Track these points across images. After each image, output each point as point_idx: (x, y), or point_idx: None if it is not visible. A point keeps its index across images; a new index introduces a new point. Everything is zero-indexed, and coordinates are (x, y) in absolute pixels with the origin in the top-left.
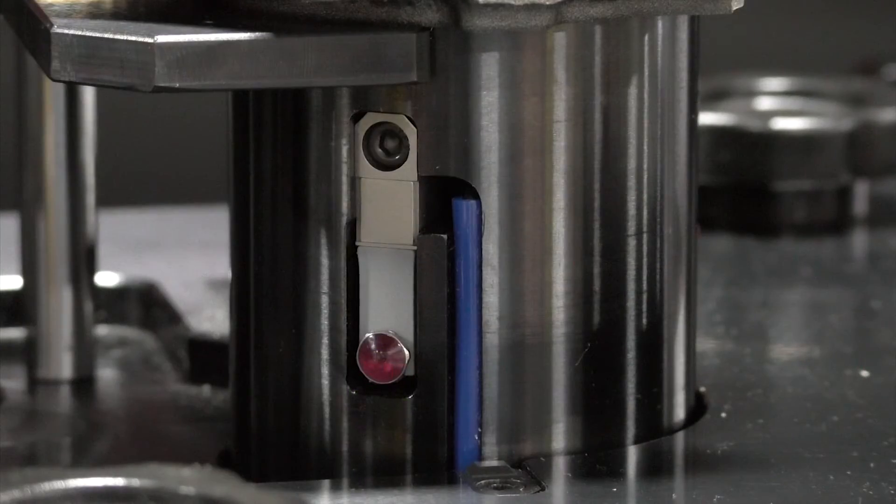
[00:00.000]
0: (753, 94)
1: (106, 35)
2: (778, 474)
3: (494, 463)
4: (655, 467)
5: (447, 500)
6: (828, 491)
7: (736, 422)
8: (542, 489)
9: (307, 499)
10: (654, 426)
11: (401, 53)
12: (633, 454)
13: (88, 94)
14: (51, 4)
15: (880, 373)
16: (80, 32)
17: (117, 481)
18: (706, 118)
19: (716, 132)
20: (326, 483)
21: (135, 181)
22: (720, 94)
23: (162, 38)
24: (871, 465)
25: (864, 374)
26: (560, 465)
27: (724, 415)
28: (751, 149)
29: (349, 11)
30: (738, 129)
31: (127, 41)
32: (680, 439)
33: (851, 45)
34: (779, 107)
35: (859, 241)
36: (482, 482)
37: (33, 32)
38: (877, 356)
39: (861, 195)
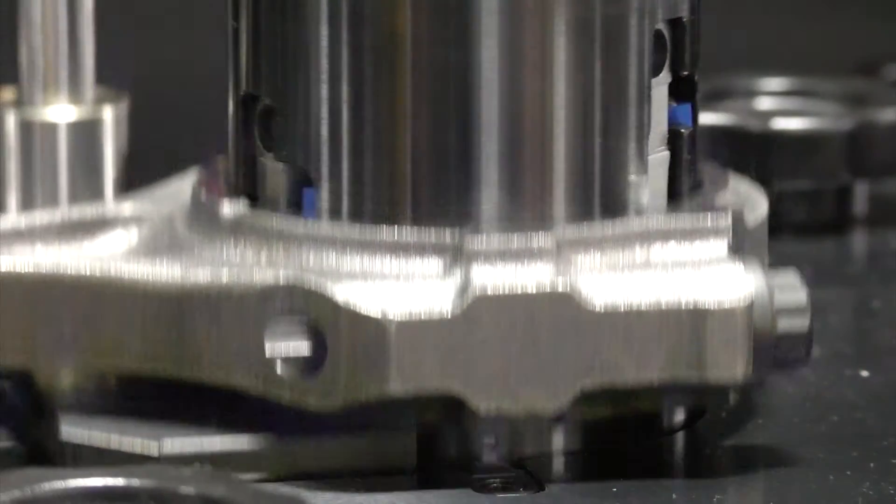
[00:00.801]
0: (753, 94)
1: (112, 446)
2: (778, 474)
3: (494, 462)
4: (655, 467)
5: (447, 500)
6: (828, 491)
7: (736, 422)
8: (542, 489)
9: (307, 499)
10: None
11: (401, 451)
12: (633, 454)
13: (87, 44)
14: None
15: (880, 373)
16: (87, 441)
17: (117, 481)
18: (706, 118)
19: (716, 132)
20: (326, 483)
21: (135, 181)
22: (720, 94)
23: (167, 448)
24: (871, 465)
25: (864, 374)
26: (560, 466)
27: (724, 415)
28: (751, 149)
29: (352, 413)
30: (738, 129)
31: (132, 455)
32: (680, 439)
33: (851, 45)
34: (779, 107)
35: (859, 241)
36: (482, 482)
37: (43, 432)
38: (877, 356)
39: (861, 195)
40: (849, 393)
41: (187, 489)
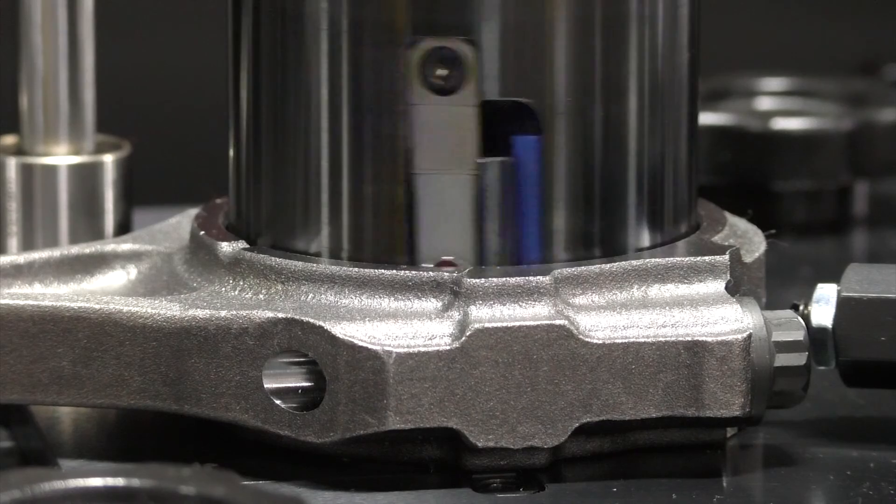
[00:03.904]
0: (753, 94)
1: None
2: (778, 474)
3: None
4: (656, 468)
5: (447, 500)
6: (828, 491)
7: None
8: (542, 489)
9: (307, 499)
10: None
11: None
12: (632, 455)
13: (88, 94)
14: None
15: None
16: None
17: (117, 481)
18: (706, 118)
19: (716, 132)
20: (326, 483)
21: (135, 181)
22: (720, 94)
23: None
24: (871, 465)
25: None
26: (560, 466)
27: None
28: (751, 149)
29: (351, 450)
30: (738, 129)
31: None
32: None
33: (851, 45)
34: (779, 107)
35: (859, 241)
36: (482, 482)
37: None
38: None
39: (861, 195)
40: (849, 393)
41: (187, 489)
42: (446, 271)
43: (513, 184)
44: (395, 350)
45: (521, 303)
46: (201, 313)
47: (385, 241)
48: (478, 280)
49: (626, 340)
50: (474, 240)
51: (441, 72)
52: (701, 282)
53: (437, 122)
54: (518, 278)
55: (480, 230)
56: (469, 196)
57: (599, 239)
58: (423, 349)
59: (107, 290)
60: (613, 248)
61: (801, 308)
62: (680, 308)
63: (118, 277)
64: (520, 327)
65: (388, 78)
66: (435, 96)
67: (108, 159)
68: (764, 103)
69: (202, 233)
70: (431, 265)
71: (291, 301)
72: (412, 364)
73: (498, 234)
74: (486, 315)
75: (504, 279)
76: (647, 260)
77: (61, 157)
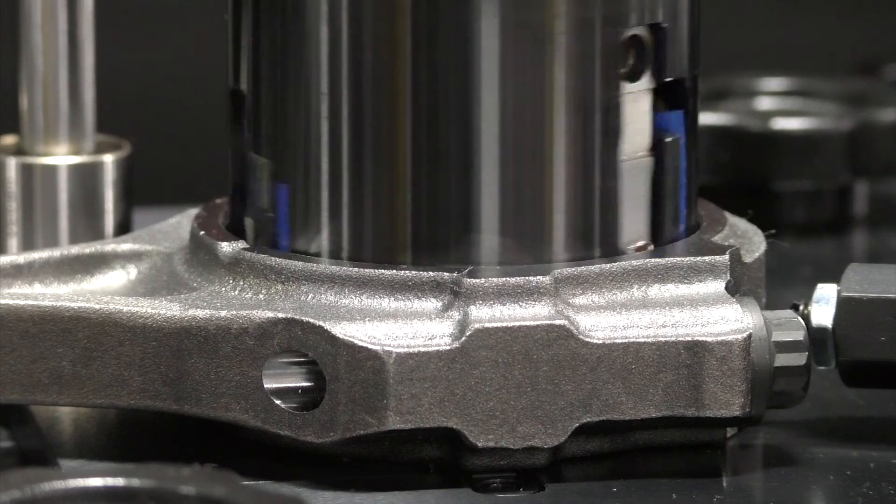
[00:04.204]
0: (753, 94)
1: None
2: (778, 474)
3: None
4: (656, 468)
5: (447, 500)
6: (828, 491)
7: None
8: (542, 489)
9: (307, 499)
10: None
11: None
12: (633, 455)
13: (88, 94)
14: None
15: None
16: None
17: (117, 481)
18: (706, 118)
19: (716, 132)
20: (326, 483)
21: (135, 181)
22: (720, 94)
23: None
24: (871, 465)
25: None
26: (560, 466)
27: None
28: (751, 149)
29: (351, 450)
30: (738, 129)
31: None
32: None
33: (851, 45)
34: (779, 107)
35: (859, 241)
36: (482, 482)
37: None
38: None
39: (861, 195)
40: (849, 393)
41: (187, 489)
42: (447, 272)
43: (679, 161)
44: (395, 350)
45: (521, 303)
46: (201, 313)
47: (575, 230)
48: (478, 280)
49: (626, 340)
50: (652, 221)
51: (630, 60)
52: (701, 282)
53: (626, 110)
54: (518, 278)
55: (659, 211)
56: (648, 178)
57: (599, 239)
58: (423, 349)
59: (107, 290)
60: (613, 248)
61: (801, 308)
62: (680, 308)
63: (118, 277)
64: (520, 327)
65: (587, 74)
66: (624, 84)
67: (108, 159)
68: (764, 103)
69: (202, 233)
70: (632, 250)
71: (291, 301)
72: (412, 364)
73: (671, 213)
74: (486, 315)
75: (504, 279)
76: (647, 260)
77: (61, 157)
